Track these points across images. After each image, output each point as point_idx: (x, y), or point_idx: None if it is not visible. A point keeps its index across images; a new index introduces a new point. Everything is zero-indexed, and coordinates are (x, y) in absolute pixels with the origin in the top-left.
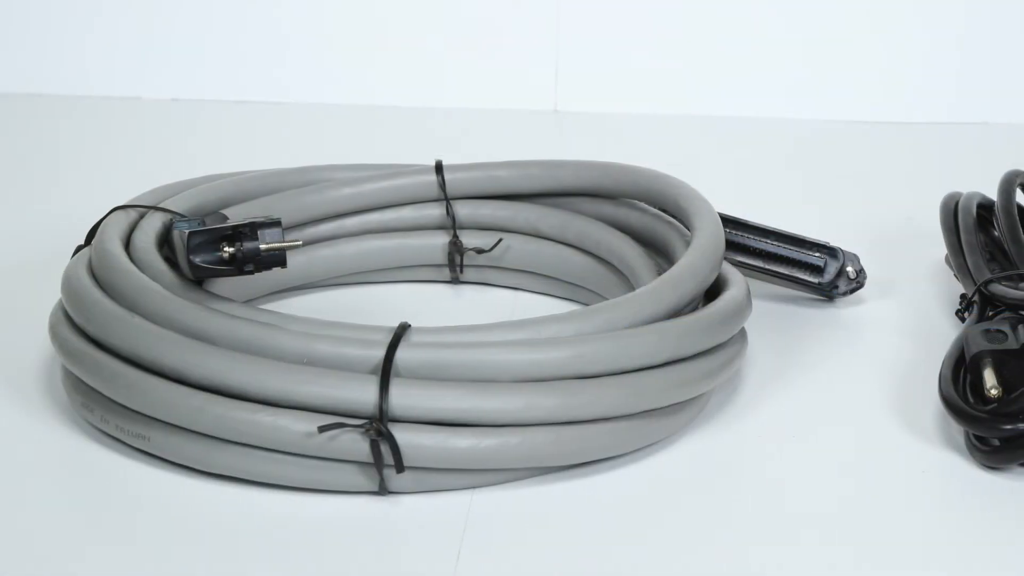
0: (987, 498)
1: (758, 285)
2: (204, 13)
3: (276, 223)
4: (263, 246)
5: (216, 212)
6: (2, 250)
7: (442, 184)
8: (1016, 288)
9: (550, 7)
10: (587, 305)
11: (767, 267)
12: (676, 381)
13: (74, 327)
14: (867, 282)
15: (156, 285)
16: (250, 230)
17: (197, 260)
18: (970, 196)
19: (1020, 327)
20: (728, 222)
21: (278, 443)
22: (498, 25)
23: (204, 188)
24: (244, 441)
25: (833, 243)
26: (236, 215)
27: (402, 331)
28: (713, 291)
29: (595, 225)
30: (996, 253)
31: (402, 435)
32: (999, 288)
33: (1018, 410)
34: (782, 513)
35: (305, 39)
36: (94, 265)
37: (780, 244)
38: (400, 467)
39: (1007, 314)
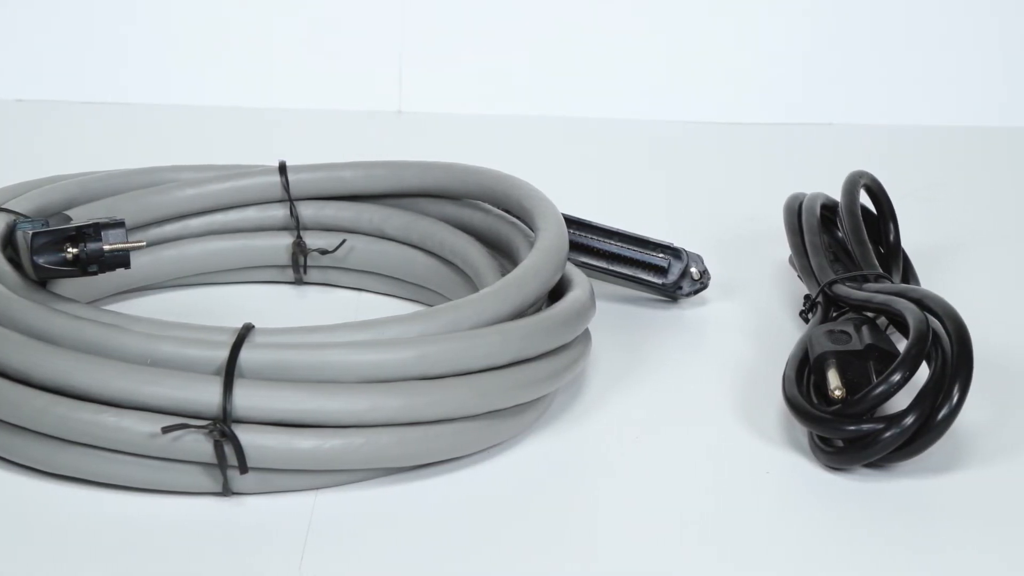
0: (830, 499)
1: (602, 286)
2: (48, 13)
3: (120, 224)
4: (107, 247)
5: (60, 213)
6: None
7: (286, 185)
8: (860, 289)
9: (394, 8)
10: (431, 306)
11: (611, 268)
12: (520, 382)
13: None
14: (711, 283)
15: None
16: (94, 231)
17: (41, 261)
18: (814, 197)
19: (864, 328)
20: (572, 223)
21: (121, 444)
22: (342, 26)
23: (48, 189)
24: (87, 442)
25: (677, 244)
26: (80, 216)
27: (246, 332)
28: (557, 292)
29: (439, 226)
30: (840, 254)
31: (246, 436)
32: (843, 289)
33: (861, 411)
34: (626, 514)
35: (148, 40)
36: None
37: (624, 245)
38: (244, 468)
39: (851, 315)
